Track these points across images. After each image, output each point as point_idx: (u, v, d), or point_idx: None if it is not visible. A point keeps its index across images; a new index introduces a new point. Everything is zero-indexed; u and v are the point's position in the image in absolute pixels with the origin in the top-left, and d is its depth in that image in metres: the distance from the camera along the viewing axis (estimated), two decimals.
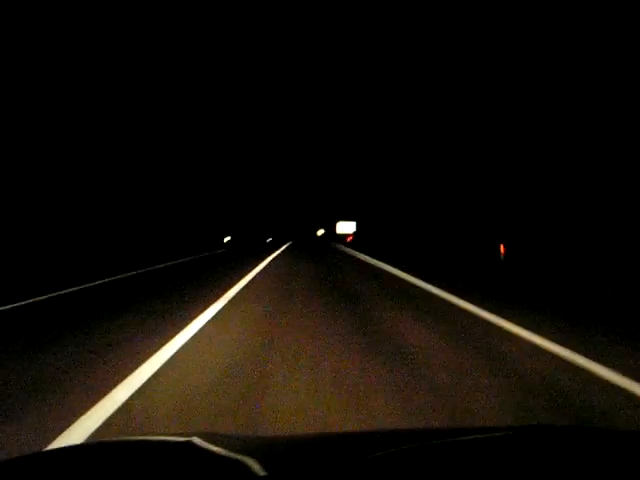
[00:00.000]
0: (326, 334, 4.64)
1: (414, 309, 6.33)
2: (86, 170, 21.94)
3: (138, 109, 27.46)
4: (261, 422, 2.52)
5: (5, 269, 11.14)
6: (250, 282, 9.44)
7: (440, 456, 0.97)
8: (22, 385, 3.14)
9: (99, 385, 3.09)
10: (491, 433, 1.30)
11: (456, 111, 28.15)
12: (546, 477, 0.84)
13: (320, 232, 66.89)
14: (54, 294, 7.24)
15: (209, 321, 5.24)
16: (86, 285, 8.38)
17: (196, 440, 1.05)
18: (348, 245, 32.03)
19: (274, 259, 16.53)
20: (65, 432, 2.40)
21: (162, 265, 13.35)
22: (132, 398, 2.88)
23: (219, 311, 5.88)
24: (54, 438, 2.32)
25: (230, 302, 6.66)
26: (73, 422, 2.51)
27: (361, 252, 22.82)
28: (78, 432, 2.41)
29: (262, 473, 0.84)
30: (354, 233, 41.34)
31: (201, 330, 4.77)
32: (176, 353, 3.92)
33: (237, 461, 0.94)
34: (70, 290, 7.72)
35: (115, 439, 1.77)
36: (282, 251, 23.36)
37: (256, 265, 13.73)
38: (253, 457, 0.93)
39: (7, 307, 6.20)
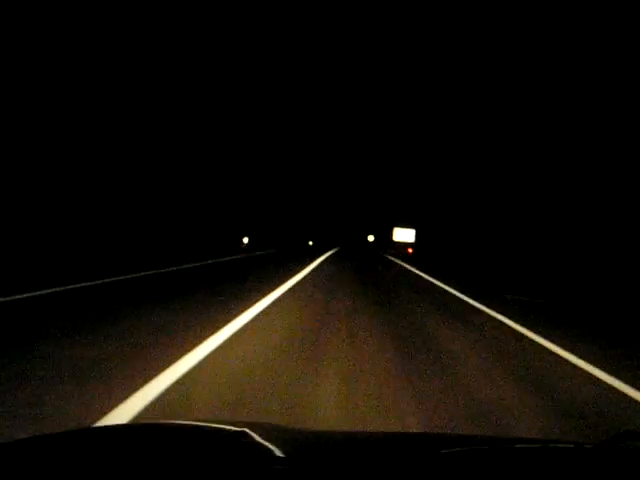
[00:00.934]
0: None
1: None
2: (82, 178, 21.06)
3: (165, 105, 26.57)
4: None
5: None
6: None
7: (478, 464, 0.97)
8: None
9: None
10: (502, 444, 1.29)
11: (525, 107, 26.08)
12: None
13: (371, 238, 60.52)
14: None
15: None
16: None
17: (247, 431, 1.07)
18: (407, 259, 25.95)
19: (302, 282, 11.54)
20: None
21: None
22: None
23: None
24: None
25: None
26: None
27: (428, 272, 17.31)
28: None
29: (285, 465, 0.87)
30: (412, 244, 35.20)
31: None
32: None
33: (277, 456, 0.94)
34: None
35: (168, 422, 1.76)
36: (324, 261, 18.41)
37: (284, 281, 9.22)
38: (295, 452, 0.97)
39: None
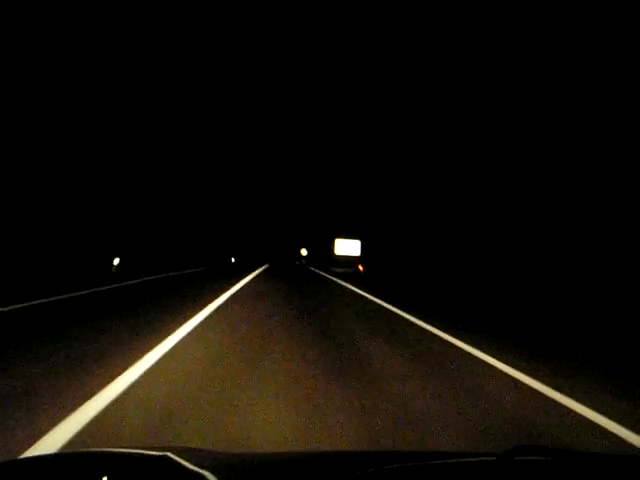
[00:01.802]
0: None
1: None
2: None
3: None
4: None
5: None
6: None
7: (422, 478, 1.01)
8: None
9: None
10: (477, 457, 1.35)
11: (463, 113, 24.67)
12: None
13: (304, 252, 53.67)
14: None
15: None
16: None
17: (170, 455, 1.06)
18: (354, 279, 19.73)
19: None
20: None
21: None
22: None
23: None
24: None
25: None
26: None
27: (388, 299, 11.43)
28: None
29: None
30: (360, 258, 28.97)
31: None
32: None
33: (203, 477, 0.93)
34: None
35: (90, 450, 1.79)
36: (242, 292, 12.04)
37: None
38: (219, 474, 0.94)
39: None
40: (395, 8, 36.27)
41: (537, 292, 15.21)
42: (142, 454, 1.17)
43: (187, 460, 1.02)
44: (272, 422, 3.00)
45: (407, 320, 8.42)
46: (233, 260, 42.43)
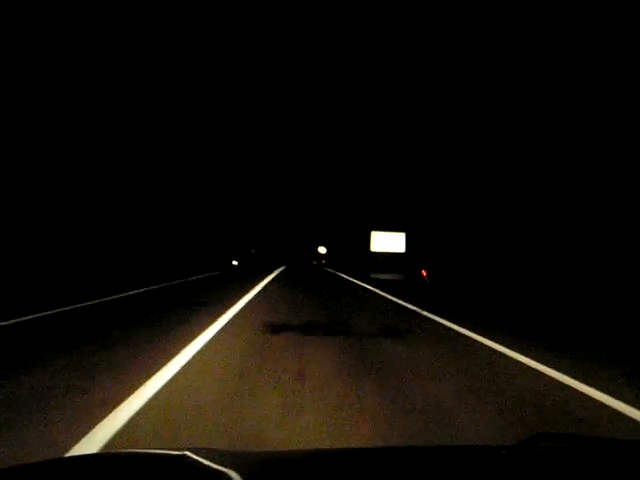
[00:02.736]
0: None
1: None
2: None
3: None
4: None
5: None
6: None
7: (438, 474, 0.99)
8: None
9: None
10: (487, 452, 1.30)
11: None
12: None
13: (322, 250, 46.37)
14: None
15: None
16: None
17: (189, 455, 1.07)
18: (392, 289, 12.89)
19: None
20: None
21: None
22: None
23: None
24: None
25: None
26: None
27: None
28: None
29: None
30: (405, 255, 22.07)
31: None
32: None
33: (224, 475, 0.94)
34: None
35: (107, 452, 1.89)
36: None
37: None
38: (239, 473, 0.94)
39: None
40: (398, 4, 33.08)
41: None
42: (161, 454, 1.19)
43: (206, 459, 1.02)
44: None
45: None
46: (235, 264, 33.85)
